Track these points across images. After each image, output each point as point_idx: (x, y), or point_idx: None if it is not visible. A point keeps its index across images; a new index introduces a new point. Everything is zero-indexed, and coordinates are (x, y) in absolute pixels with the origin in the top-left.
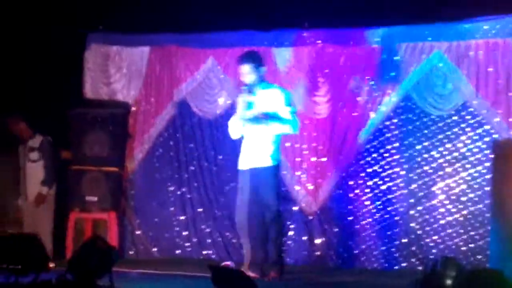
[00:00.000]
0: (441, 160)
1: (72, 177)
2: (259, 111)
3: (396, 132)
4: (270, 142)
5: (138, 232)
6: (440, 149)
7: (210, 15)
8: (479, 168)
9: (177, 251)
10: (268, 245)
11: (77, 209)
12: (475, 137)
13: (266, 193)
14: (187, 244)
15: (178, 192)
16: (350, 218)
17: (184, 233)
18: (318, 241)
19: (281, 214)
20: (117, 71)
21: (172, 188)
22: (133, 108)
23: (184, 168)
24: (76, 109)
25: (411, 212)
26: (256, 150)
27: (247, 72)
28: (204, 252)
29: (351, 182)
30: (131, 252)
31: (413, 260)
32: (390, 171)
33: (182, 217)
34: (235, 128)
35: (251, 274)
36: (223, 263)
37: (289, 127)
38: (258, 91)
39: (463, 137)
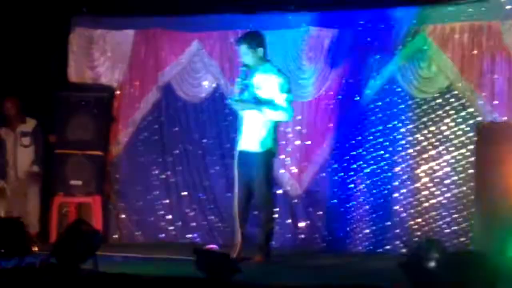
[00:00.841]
0: (425, 143)
1: (56, 161)
2: (252, 96)
3: (380, 115)
4: (264, 127)
5: (122, 216)
6: (424, 131)
7: None
8: (463, 151)
9: (161, 235)
10: (257, 229)
11: (61, 193)
12: (459, 120)
13: (256, 177)
14: (171, 227)
15: (163, 176)
16: (334, 201)
17: (168, 216)
18: (302, 224)
19: (272, 200)
20: (101, 55)
21: (156, 172)
22: (118, 92)
23: (169, 152)
24: (60, 92)
25: (395, 194)
26: (250, 134)
27: (243, 53)
28: (188, 236)
29: (335, 165)
30: (115, 236)
31: (397, 242)
32: (374, 154)
33: (166, 201)
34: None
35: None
36: (207, 246)
37: (282, 114)
38: (257, 73)
39: (447, 120)
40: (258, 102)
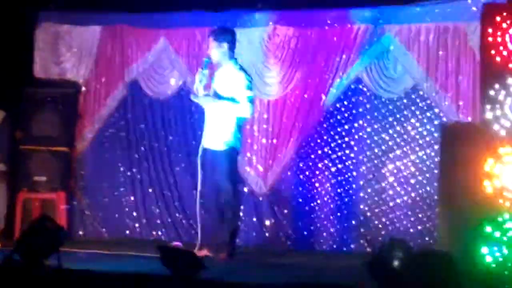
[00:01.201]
0: (390, 143)
1: (21, 156)
2: (212, 91)
3: (346, 114)
4: (228, 124)
5: (87, 213)
6: (390, 131)
7: None
8: (428, 150)
9: (127, 232)
10: (222, 226)
11: (25, 189)
12: (424, 120)
13: (220, 175)
14: (136, 224)
15: (128, 173)
16: (300, 199)
17: (134, 213)
18: (267, 222)
19: (238, 197)
20: (67, 50)
21: (122, 169)
22: (84, 88)
23: (135, 149)
24: (26, 88)
25: (361, 194)
26: (213, 131)
27: (210, 46)
28: (154, 233)
29: (301, 164)
30: (80, 233)
31: (362, 241)
32: (340, 153)
33: (132, 198)
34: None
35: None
36: (172, 244)
37: (242, 111)
38: (220, 68)
39: (412, 120)
40: (218, 97)
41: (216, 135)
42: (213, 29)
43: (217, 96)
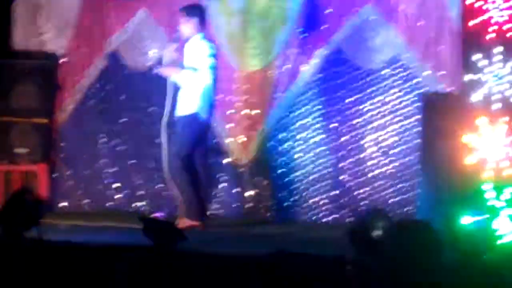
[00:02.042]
0: (372, 113)
1: (0, 129)
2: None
3: (327, 84)
4: (190, 92)
5: (68, 184)
6: (372, 101)
7: None
8: (410, 120)
9: (108, 203)
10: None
11: (5, 161)
12: (406, 90)
13: (174, 142)
14: (118, 196)
15: (109, 144)
16: (280, 171)
17: (115, 185)
18: (248, 193)
19: (186, 163)
20: (46, 22)
21: (103, 140)
22: (63, 59)
23: (116, 120)
24: (4, 60)
25: (342, 164)
26: (179, 99)
27: (181, 22)
28: (135, 205)
29: (283, 134)
30: (61, 205)
31: (343, 212)
32: (320, 124)
33: (114, 169)
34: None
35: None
36: (154, 215)
37: (199, 77)
38: (189, 41)
39: (394, 90)
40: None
41: (180, 102)
42: (184, 6)
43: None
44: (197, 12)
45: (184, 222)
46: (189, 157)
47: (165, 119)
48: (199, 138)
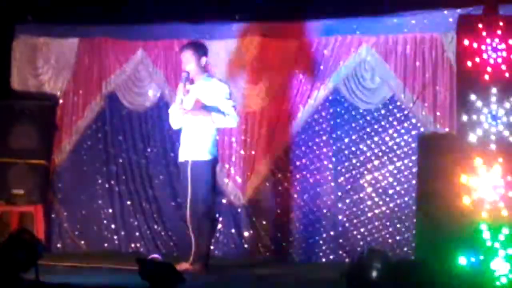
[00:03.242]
0: (368, 153)
1: None
2: (198, 102)
3: (325, 125)
4: (208, 135)
5: (65, 225)
6: (368, 142)
7: (140, 6)
8: (406, 161)
9: (105, 244)
10: (200, 238)
11: (3, 202)
12: (402, 131)
13: (200, 187)
14: (115, 237)
15: (106, 185)
16: (279, 211)
17: (112, 226)
18: (246, 233)
19: (214, 209)
20: (45, 63)
21: (100, 181)
22: (61, 100)
23: (113, 161)
24: (3, 100)
25: (339, 204)
26: (194, 143)
27: (186, 59)
28: (132, 245)
29: (279, 175)
30: (58, 246)
31: (340, 252)
32: (318, 164)
33: (110, 210)
34: (175, 117)
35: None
36: (151, 256)
37: (230, 120)
38: (198, 81)
39: (390, 131)
40: (206, 108)
41: (199, 146)
42: (187, 43)
43: (205, 108)
44: (205, 50)
45: (185, 266)
46: (214, 202)
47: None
48: None
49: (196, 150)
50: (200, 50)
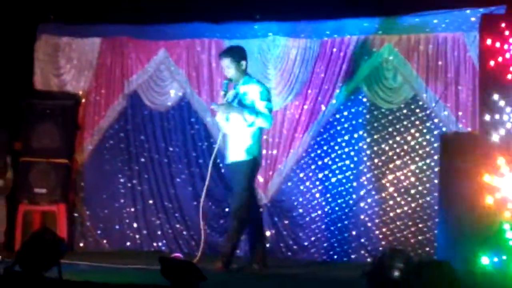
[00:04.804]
0: (390, 153)
1: (21, 169)
2: (235, 104)
3: (346, 125)
4: (246, 136)
5: (87, 224)
6: (390, 142)
7: (162, 6)
8: (428, 161)
9: (127, 243)
10: (225, 235)
11: (26, 201)
12: (424, 130)
13: (235, 186)
14: (137, 236)
15: (129, 184)
16: (300, 210)
17: (134, 225)
18: (268, 233)
19: (245, 209)
20: (67, 62)
21: (122, 180)
22: (83, 100)
23: (135, 160)
24: (26, 100)
25: (361, 204)
26: (234, 145)
27: (226, 66)
28: (154, 244)
29: (301, 175)
30: (80, 244)
31: (362, 252)
32: (340, 164)
33: (132, 209)
34: (222, 123)
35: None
36: (173, 255)
37: (264, 121)
38: (239, 86)
39: (412, 130)
40: (242, 109)
41: (237, 147)
42: (225, 49)
43: (241, 106)
44: (244, 54)
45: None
46: (246, 203)
47: (212, 160)
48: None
49: (234, 152)
50: (238, 54)
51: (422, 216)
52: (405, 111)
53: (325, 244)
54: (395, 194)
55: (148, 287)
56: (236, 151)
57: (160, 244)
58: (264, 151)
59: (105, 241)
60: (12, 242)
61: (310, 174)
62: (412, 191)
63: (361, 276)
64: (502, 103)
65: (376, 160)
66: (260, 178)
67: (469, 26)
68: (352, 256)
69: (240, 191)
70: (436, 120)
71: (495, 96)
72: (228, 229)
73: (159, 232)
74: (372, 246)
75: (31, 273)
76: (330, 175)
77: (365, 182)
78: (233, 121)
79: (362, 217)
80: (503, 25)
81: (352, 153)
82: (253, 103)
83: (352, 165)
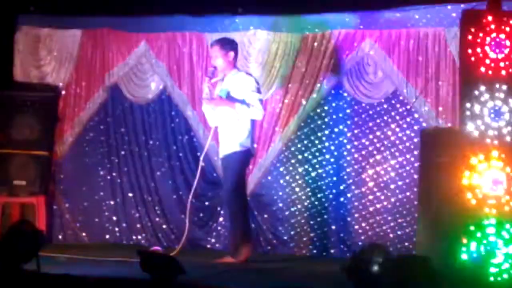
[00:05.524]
0: (370, 148)
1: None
2: (225, 94)
3: (327, 119)
4: (239, 129)
5: (67, 217)
6: (370, 136)
7: None
8: (408, 156)
9: (107, 236)
10: (233, 229)
11: (4, 193)
12: (404, 125)
13: (226, 177)
14: (116, 229)
15: (108, 177)
16: (280, 204)
17: (114, 218)
18: None
19: (241, 193)
20: (48, 54)
21: (102, 173)
22: (64, 92)
23: (115, 153)
24: (5, 91)
25: (341, 199)
26: (227, 138)
27: (214, 54)
28: (134, 237)
29: (281, 169)
30: (59, 237)
31: (341, 246)
32: (320, 158)
33: (112, 202)
34: (209, 114)
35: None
36: (152, 248)
37: (254, 112)
38: (226, 76)
39: (392, 125)
40: (232, 100)
41: (230, 140)
42: (218, 38)
43: (231, 99)
44: (234, 46)
45: (227, 259)
46: (244, 190)
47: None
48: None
49: (227, 145)
50: (227, 45)
51: (402, 211)
52: (385, 106)
53: (304, 239)
54: (375, 189)
55: (127, 280)
56: (230, 144)
57: (139, 237)
58: None
59: (84, 234)
60: None
61: (290, 168)
62: (392, 186)
63: (340, 271)
64: (482, 98)
65: (356, 155)
66: None
67: (450, 22)
68: (332, 251)
69: (235, 179)
70: (416, 115)
71: (476, 92)
72: (230, 222)
73: (138, 225)
74: (351, 241)
75: (9, 265)
76: (310, 169)
77: (345, 177)
78: (225, 114)
79: (341, 211)
80: (483, 20)
81: (332, 148)
82: (243, 95)
83: (332, 160)
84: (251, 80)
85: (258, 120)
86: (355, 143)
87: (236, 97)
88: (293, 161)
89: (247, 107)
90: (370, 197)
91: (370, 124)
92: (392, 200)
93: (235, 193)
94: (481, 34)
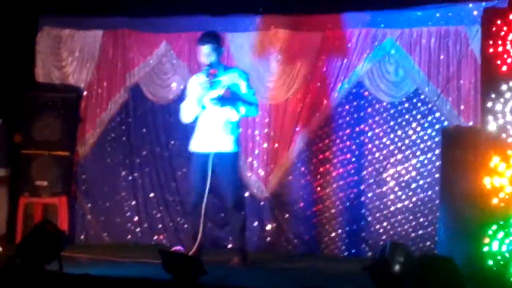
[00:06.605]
0: (391, 147)
1: (22, 161)
2: (226, 91)
3: (348, 118)
4: (234, 126)
5: (88, 217)
6: (391, 136)
7: None
8: (429, 155)
9: (128, 236)
10: (233, 232)
11: (27, 193)
12: (425, 124)
13: (228, 179)
14: (138, 229)
15: (130, 177)
16: (301, 204)
17: (135, 218)
18: (268, 227)
19: (244, 200)
20: (69, 55)
21: (123, 173)
22: (85, 92)
23: (136, 153)
24: (27, 92)
25: (362, 198)
26: (218, 134)
27: (207, 53)
28: (155, 238)
29: (302, 169)
30: (81, 237)
31: (363, 246)
32: (341, 158)
33: (133, 202)
34: (190, 111)
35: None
36: (174, 248)
37: (254, 110)
38: (218, 73)
39: (414, 124)
40: (234, 97)
41: (225, 137)
42: (205, 36)
43: (235, 97)
44: (223, 40)
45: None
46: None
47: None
48: None
49: (222, 142)
50: (221, 42)
51: (423, 211)
52: (406, 105)
53: (325, 238)
54: (396, 188)
55: (149, 281)
56: (224, 141)
57: (161, 237)
58: (265, 145)
59: (105, 234)
60: (13, 235)
61: (311, 167)
62: (413, 185)
63: (362, 270)
64: (504, 96)
65: (377, 154)
66: (261, 172)
67: (471, 20)
68: (353, 251)
69: (238, 184)
70: (437, 114)
71: (498, 90)
72: (233, 224)
73: (160, 226)
74: (372, 241)
75: (32, 266)
76: (331, 169)
77: (366, 176)
78: (224, 113)
79: (363, 211)
80: (505, 19)
81: (353, 147)
82: (240, 92)
83: (353, 159)
84: (245, 76)
85: (255, 115)
86: (376, 142)
87: (235, 93)
88: (314, 160)
89: (248, 105)
90: (391, 196)
91: (391, 123)
92: (414, 199)
93: (240, 198)
94: (502, 32)
